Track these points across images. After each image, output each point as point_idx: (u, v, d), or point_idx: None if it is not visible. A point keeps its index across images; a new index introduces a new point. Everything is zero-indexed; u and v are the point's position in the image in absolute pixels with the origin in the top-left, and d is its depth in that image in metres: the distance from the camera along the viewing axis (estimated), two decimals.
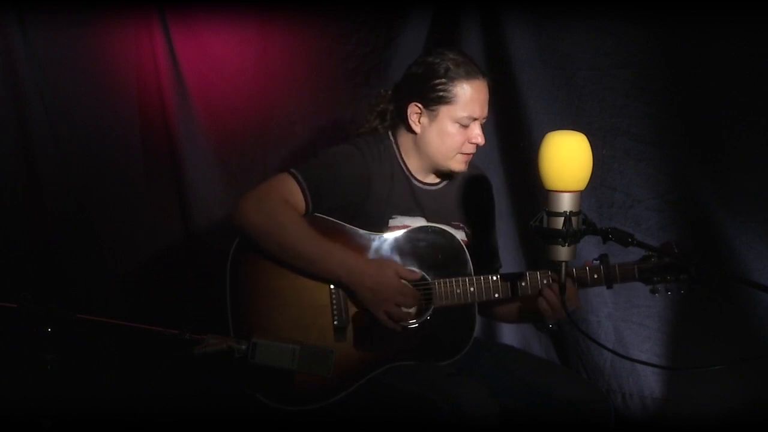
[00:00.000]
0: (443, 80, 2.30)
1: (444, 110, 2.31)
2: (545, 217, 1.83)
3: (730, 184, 2.93)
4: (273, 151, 3.27)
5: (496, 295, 2.30)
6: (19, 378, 2.27)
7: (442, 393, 2.11)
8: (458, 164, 2.36)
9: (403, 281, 2.24)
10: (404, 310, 2.24)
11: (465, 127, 2.32)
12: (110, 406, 2.83)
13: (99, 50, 3.10)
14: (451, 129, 2.31)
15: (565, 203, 1.80)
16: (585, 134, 1.83)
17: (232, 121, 3.27)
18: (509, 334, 3.30)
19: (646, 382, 3.16)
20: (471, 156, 2.38)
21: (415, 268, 2.29)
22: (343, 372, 2.16)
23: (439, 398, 2.09)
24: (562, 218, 1.80)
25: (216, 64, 3.24)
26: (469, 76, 2.31)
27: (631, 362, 3.16)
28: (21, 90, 3.01)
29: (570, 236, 1.80)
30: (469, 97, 2.30)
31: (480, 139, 2.33)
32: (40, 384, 1.83)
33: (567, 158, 1.80)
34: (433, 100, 2.31)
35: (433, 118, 2.33)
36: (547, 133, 1.85)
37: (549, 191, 1.82)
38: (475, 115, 2.31)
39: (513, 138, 3.19)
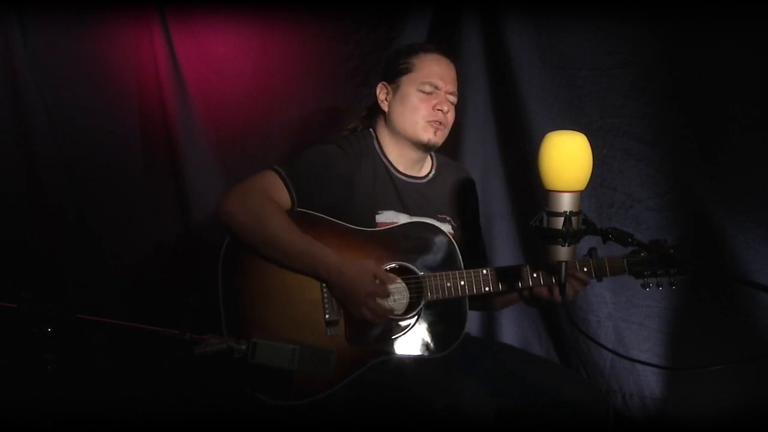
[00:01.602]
0: (404, 56, 2.44)
1: (405, 80, 2.41)
2: (545, 217, 1.83)
3: (730, 184, 2.93)
4: (273, 151, 3.27)
5: (487, 289, 2.31)
6: (19, 378, 2.27)
7: (439, 390, 2.11)
8: (427, 133, 2.39)
9: (377, 282, 2.23)
10: (381, 308, 2.23)
11: (428, 94, 2.38)
12: (110, 406, 2.83)
13: (99, 50, 3.11)
14: (413, 96, 2.39)
15: (565, 203, 1.81)
16: (585, 134, 1.83)
17: (232, 121, 3.28)
18: (509, 334, 3.30)
19: (646, 382, 3.16)
20: (442, 128, 2.40)
21: (394, 265, 2.29)
22: (337, 365, 2.15)
23: (436, 396, 2.09)
24: (562, 218, 1.80)
25: (216, 64, 3.24)
26: (428, 50, 2.45)
27: (631, 362, 3.16)
28: (21, 90, 3.01)
29: (570, 236, 1.80)
30: (427, 66, 2.41)
31: (444, 106, 2.38)
32: (40, 384, 1.83)
33: (567, 158, 1.80)
34: (396, 73, 2.43)
35: (396, 90, 2.42)
36: (547, 133, 1.85)
37: (549, 191, 1.82)
38: (436, 84, 2.38)
39: (513, 138, 3.19)
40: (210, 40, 3.22)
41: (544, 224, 1.83)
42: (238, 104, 3.26)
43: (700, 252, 2.98)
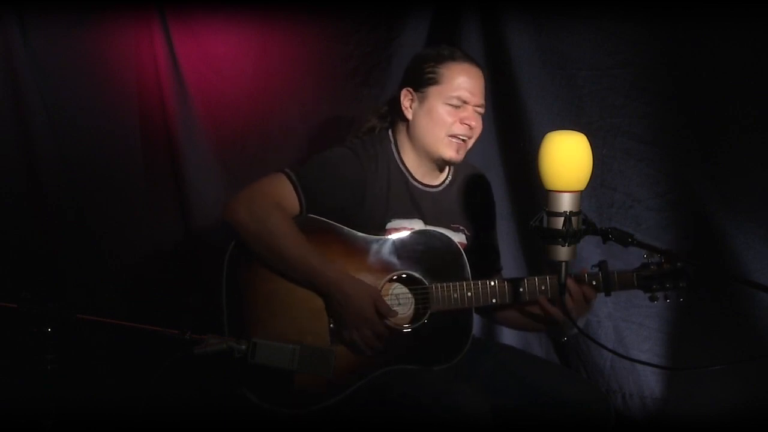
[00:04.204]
0: (432, 63, 2.34)
1: (433, 91, 2.32)
2: (545, 217, 1.83)
3: (730, 184, 2.93)
4: (273, 151, 3.27)
5: (494, 300, 2.29)
6: (19, 378, 2.27)
7: (439, 392, 2.11)
8: (449, 150, 2.33)
9: (376, 314, 2.20)
10: (372, 339, 2.20)
11: (455, 108, 2.31)
12: (110, 406, 2.83)
13: (99, 50, 3.11)
14: (440, 109, 2.31)
15: (565, 203, 1.80)
16: (585, 134, 1.83)
17: (232, 121, 3.28)
18: (509, 334, 3.29)
19: (646, 382, 3.16)
20: (464, 144, 2.34)
21: (402, 274, 2.27)
22: (339, 374, 2.15)
23: (436, 397, 2.09)
24: (562, 218, 1.80)
25: (216, 64, 3.24)
26: (458, 59, 2.34)
27: (631, 362, 3.16)
28: (21, 90, 3.01)
29: (570, 236, 1.80)
30: (457, 77, 2.31)
31: (472, 121, 2.31)
32: (40, 384, 1.83)
33: (567, 158, 1.80)
34: (423, 82, 2.34)
35: (423, 101, 2.34)
36: (547, 133, 1.85)
37: (549, 191, 1.82)
38: (465, 98, 2.31)
39: (513, 138, 3.19)
40: (210, 40, 3.21)
41: (544, 224, 1.83)
42: (238, 104, 3.26)
43: (700, 252, 2.98)
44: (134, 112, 3.20)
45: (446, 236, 2.33)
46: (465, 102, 2.31)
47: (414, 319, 2.28)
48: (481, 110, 2.36)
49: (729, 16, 2.80)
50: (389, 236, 2.30)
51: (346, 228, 2.28)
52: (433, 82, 2.32)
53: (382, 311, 2.21)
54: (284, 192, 2.24)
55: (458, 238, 2.40)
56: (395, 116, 2.42)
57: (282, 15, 3.18)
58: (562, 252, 1.82)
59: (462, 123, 2.31)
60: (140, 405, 2.04)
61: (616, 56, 3.03)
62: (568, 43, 3.08)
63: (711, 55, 2.89)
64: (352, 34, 3.23)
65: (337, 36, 3.23)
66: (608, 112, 3.09)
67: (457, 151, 2.34)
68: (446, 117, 2.31)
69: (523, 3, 3.08)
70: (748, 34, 2.81)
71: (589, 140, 1.82)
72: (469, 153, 3.19)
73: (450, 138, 2.32)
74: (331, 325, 2.23)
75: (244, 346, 1.92)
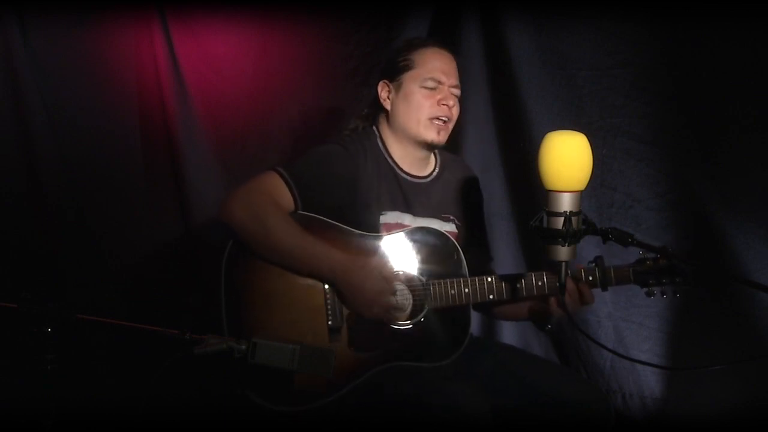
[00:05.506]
0: (404, 52, 2.42)
1: (407, 77, 2.38)
2: (545, 217, 1.83)
3: (730, 184, 2.93)
4: (273, 151, 3.28)
5: (491, 297, 2.30)
6: (19, 378, 2.27)
7: (438, 391, 2.12)
8: (431, 132, 2.37)
9: (385, 281, 2.22)
10: (393, 306, 2.22)
11: (431, 90, 2.36)
12: (110, 406, 2.83)
13: (99, 50, 3.11)
14: (417, 93, 2.36)
15: (565, 203, 1.80)
16: (585, 134, 1.83)
17: (232, 121, 3.28)
18: (509, 334, 3.30)
19: (646, 382, 3.16)
20: (445, 126, 2.38)
21: (399, 271, 2.28)
22: (339, 374, 2.15)
23: (435, 397, 2.09)
24: (562, 218, 1.80)
25: (216, 64, 3.24)
26: (427, 44, 2.42)
27: (631, 362, 3.16)
28: (21, 90, 3.01)
29: (570, 236, 1.80)
30: (429, 60, 2.38)
31: (450, 101, 2.36)
32: (40, 384, 1.83)
33: (567, 158, 1.80)
34: (397, 71, 2.40)
35: (399, 88, 2.40)
36: (547, 133, 1.85)
37: (549, 191, 1.82)
38: (439, 79, 2.36)
39: (513, 138, 3.19)
40: (210, 40, 3.22)
41: (544, 224, 1.83)
42: (238, 104, 3.26)
43: (700, 252, 2.98)
44: (134, 112, 3.21)
45: (443, 233, 2.34)
46: (440, 83, 2.36)
47: (412, 316, 2.29)
48: (457, 91, 2.41)
49: (729, 16, 2.80)
50: (386, 234, 2.31)
51: (342, 226, 2.28)
52: (407, 68, 2.38)
53: (388, 277, 2.22)
54: (278, 190, 2.25)
55: (448, 227, 2.42)
56: (377, 112, 2.47)
57: (282, 15, 3.18)
58: (562, 252, 1.82)
59: (440, 104, 2.36)
60: (140, 405, 2.04)
61: (616, 56, 3.03)
62: (568, 43, 3.09)
63: (711, 55, 2.89)
64: (352, 34, 3.24)
65: (337, 36, 3.24)
66: (608, 112, 3.09)
67: (439, 133, 2.38)
68: (423, 100, 2.36)
69: (523, 3, 3.08)
70: (748, 34, 2.81)
71: (589, 140, 1.82)
72: (470, 153, 3.22)
73: (430, 120, 2.36)
74: (330, 323, 2.23)
75: (244, 346, 1.92)
